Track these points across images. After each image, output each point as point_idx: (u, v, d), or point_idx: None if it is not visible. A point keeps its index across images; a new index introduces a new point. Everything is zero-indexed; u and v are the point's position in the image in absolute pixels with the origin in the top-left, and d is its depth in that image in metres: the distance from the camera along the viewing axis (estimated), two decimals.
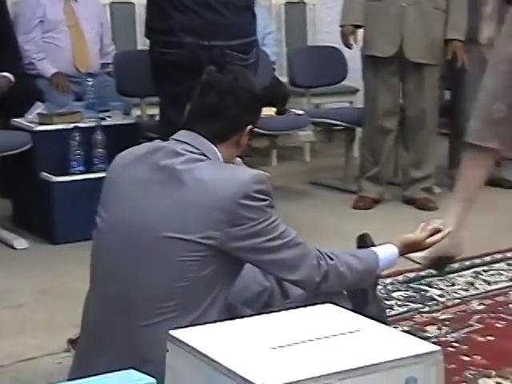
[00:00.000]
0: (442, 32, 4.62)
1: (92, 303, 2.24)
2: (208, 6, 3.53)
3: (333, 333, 1.45)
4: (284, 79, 5.64)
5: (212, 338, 1.47)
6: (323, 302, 1.79)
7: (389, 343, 1.42)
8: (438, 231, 2.43)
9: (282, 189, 5.00)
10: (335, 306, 1.68)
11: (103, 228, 2.20)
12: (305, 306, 1.78)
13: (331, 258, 2.17)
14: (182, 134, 2.21)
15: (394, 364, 1.32)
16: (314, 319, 1.59)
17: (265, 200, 2.09)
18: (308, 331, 1.48)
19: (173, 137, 2.22)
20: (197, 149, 2.15)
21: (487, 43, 3.66)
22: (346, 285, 2.21)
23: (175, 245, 2.06)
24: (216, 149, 2.18)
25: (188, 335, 1.47)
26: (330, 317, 1.60)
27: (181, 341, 1.44)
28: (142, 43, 5.42)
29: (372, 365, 1.32)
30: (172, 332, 1.50)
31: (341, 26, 4.76)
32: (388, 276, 3.38)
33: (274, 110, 4.88)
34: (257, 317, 1.66)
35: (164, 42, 3.58)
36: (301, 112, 4.99)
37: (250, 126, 2.23)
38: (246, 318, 1.68)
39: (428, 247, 2.45)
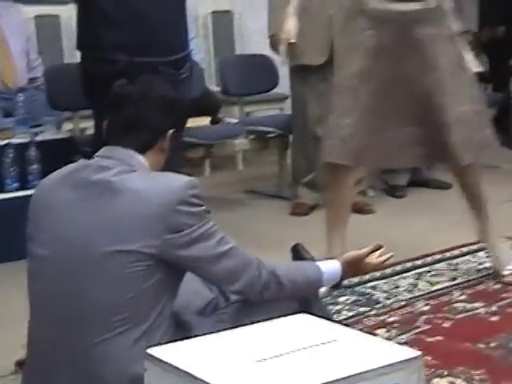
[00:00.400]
0: None
1: (36, 325, 2.20)
2: (140, 23, 3.49)
3: (311, 343, 1.45)
4: (214, 88, 5.65)
5: (191, 355, 1.45)
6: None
7: (368, 351, 1.43)
8: (379, 247, 2.44)
9: (217, 199, 4.99)
10: (308, 316, 1.68)
11: (39, 252, 2.16)
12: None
13: (273, 269, 2.18)
14: (105, 151, 2.20)
15: (378, 372, 1.32)
16: (290, 330, 1.58)
17: (201, 205, 2.09)
18: (286, 343, 1.48)
19: (96, 154, 2.21)
20: (123, 162, 2.15)
21: None
22: (286, 295, 2.22)
23: (117, 257, 2.04)
24: (142, 159, 2.18)
25: (166, 353, 1.45)
26: (306, 327, 1.60)
27: (159, 359, 1.41)
28: (69, 56, 5.38)
29: (357, 374, 1.32)
30: (149, 350, 1.47)
31: (269, 37, 4.79)
32: None
33: (209, 119, 4.88)
34: (233, 330, 1.65)
35: (96, 58, 3.53)
36: (235, 121, 4.99)
37: (172, 131, 2.24)
38: (222, 332, 1.66)
39: (371, 268, 2.45)
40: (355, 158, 3.30)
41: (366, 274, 2.54)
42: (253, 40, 6.01)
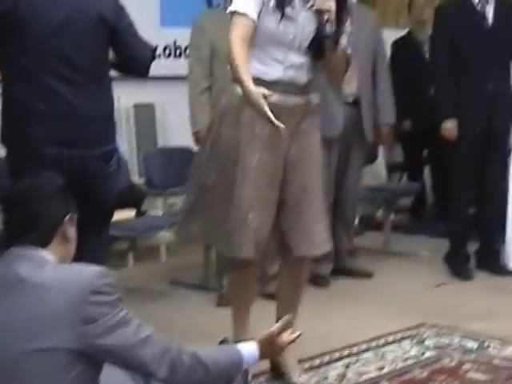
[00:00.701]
0: None
1: None
2: (68, 116, 3.51)
3: None
4: (137, 180, 5.68)
5: None
6: None
7: None
8: (287, 324, 2.48)
9: (142, 290, 4.98)
10: None
11: None
12: None
13: (194, 352, 2.20)
14: (8, 253, 2.19)
15: None
16: None
17: (113, 294, 2.12)
18: None
19: (3, 255, 2.21)
20: (29, 259, 2.15)
21: None
22: (213, 378, 2.24)
23: (35, 356, 2.03)
24: (46, 253, 2.19)
25: None
26: None
27: None
28: None
29: None
30: None
31: (193, 133, 4.89)
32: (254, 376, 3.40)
33: (133, 212, 4.90)
34: None
35: (23, 152, 3.52)
36: (160, 213, 5.03)
37: (68, 216, 2.26)
38: None
39: (284, 346, 2.48)
40: (261, 252, 3.33)
41: (281, 352, 2.56)
42: (175, 132, 6.09)
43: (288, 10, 3.17)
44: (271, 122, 2.99)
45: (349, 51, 3.35)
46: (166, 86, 5.89)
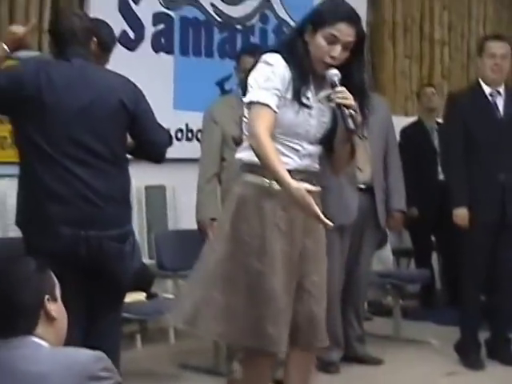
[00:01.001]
0: None
1: None
2: (84, 197, 3.56)
3: None
4: (147, 261, 5.68)
5: None
6: None
7: None
8: None
9: (151, 373, 4.94)
10: None
11: None
12: None
13: None
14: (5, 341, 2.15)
15: None
16: None
17: (111, 378, 2.08)
18: None
19: None
20: (20, 348, 2.10)
21: None
22: None
23: None
24: (36, 339, 2.15)
25: None
26: None
27: None
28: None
29: None
30: None
31: (197, 222, 4.90)
32: None
33: (144, 294, 4.89)
34: None
35: (40, 233, 3.55)
36: (170, 295, 5.02)
37: (46, 297, 2.19)
38: None
39: None
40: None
41: None
42: (186, 214, 6.12)
43: (304, 101, 3.20)
44: (319, 219, 2.97)
45: (363, 137, 3.39)
46: (177, 168, 5.94)
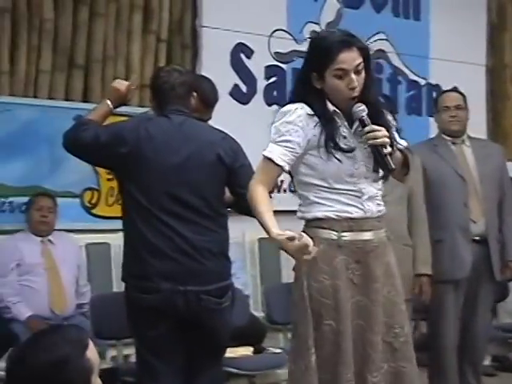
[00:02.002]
0: (411, 267, 4.67)
1: None
2: (184, 252, 3.58)
3: None
4: (259, 314, 5.65)
5: None
6: None
7: None
8: None
9: None
10: None
11: None
12: None
13: None
14: None
15: None
16: None
17: None
18: None
19: None
20: None
21: None
22: None
23: None
24: None
25: None
26: None
27: None
28: (118, 285, 5.47)
29: None
30: None
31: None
32: None
33: (251, 349, 4.86)
34: None
35: (140, 287, 3.61)
36: (278, 350, 4.96)
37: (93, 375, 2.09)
38: None
39: None
40: None
41: None
42: None
43: (342, 145, 3.05)
44: (303, 262, 2.85)
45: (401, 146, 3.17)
46: (289, 219, 5.90)
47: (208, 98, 4.08)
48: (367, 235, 3.08)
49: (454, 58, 7.12)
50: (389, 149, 3.00)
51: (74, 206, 5.59)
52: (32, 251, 5.12)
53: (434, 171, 4.80)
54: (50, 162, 5.53)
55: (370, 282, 3.08)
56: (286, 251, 2.82)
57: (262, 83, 6.33)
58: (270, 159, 3.02)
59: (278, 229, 2.85)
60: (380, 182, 3.18)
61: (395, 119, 3.33)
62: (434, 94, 7.11)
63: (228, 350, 4.03)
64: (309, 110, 3.06)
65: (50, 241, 5.21)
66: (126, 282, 3.73)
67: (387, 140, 3.00)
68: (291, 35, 6.42)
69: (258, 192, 3.00)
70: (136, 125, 3.68)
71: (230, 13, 6.10)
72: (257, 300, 6.00)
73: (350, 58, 3.00)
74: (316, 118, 3.05)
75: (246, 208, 3.80)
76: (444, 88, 6.97)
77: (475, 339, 5.05)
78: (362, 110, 3.02)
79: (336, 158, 3.04)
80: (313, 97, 3.07)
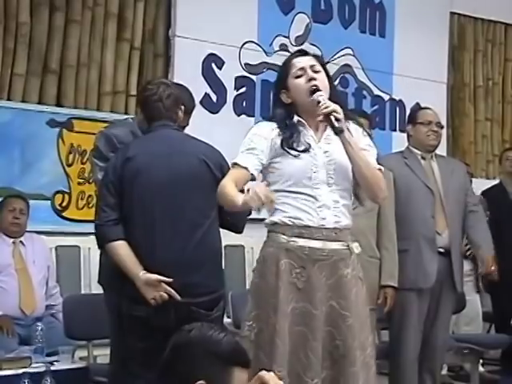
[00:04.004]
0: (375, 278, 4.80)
1: None
2: (175, 264, 3.58)
3: None
4: (225, 320, 5.73)
5: None
6: None
7: None
8: None
9: None
10: None
11: None
12: None
13: None
14: None
15: None
16: None
17: None
18: None
19: None
20: None
21: None
22: None
23: None
24: None
25: None
26: None
27: None
28: (86, 288, 5.55)
29: None
30: None
31: None
32: None
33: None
34: None
35: (132, 297, 3.60)
36: None
37: (201, 382, 2.19)
38: None
39: None
40: None
41: None
42: None
43: (298, 147, 3.21)
44: None
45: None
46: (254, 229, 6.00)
47: (188, 107, 4.17)
48: (316, 244, 3.18)
49: (417, 74, 7.33)
50: (339, 115, 3.13)
51: (44, 208, 5.66)
52: (3, 252, 5.16)
53: (404, 183, 4.90)
54: (22, 164, 5.60)
55: (312, 289, 3.16)
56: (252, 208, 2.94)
57: (231, 93, 6.45)
58: (235, 163, 3.19)
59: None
60: (347, 196, 3.27)
61: (370, 134, 3.45)
62: (398, 109, 7.31)
63: None
64: (274, 125, 3.26)
65: (21, 242, 5.26)
66: (112, 290, 3.73)
67: (338, 107, 3.14)
68: (261, 47, 6.57)
69: (224, 186, 3.12)
70: (119, 154, 3.74)
71: (202, 23, 6.23)
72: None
73: (305, 60, 3.28)
74: (275, 128, 3.25)
75: (228, 224, 3.86)
76: (407, 104, 7.21)
77: (435, 349, 5.16)
78: (319, 94, 3.19)
79: (292, 155, 3.19)
80: (280, 112, 3.28)
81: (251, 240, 6.37)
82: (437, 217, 4.93)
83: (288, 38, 6.73)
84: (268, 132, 3.24)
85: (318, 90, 3.20)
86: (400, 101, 7.30)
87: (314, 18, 6.89)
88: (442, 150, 6.88)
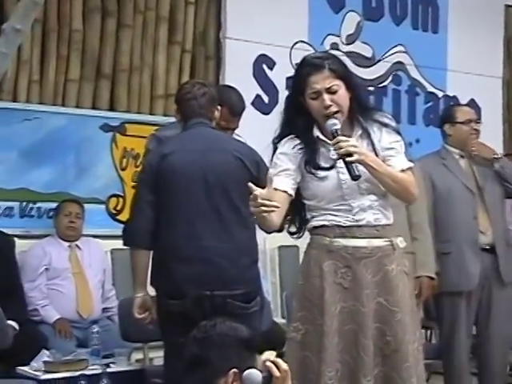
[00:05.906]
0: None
1: None
2: (211, 258, 3.67)
3: None
4: (279, 320, 5.74)
5: None
6: None
7: None
8: None
9: None
10: None
11: None
12: None
13: None
14: None
15: None
16: None
17: None
18: None
19: None
20: None
21: None
22: None
23: None
24: None
25: None
26: None
27: None
28: None
29: None
30: None
31: None
32: None
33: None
34: None
35: (168, 293, 3.70)
36: None
37: (234, 370, 2.31)
38: None
39: None
40: None
41: None
42: None
43: (323, 164, 3.20)
44: None
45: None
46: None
47: (234, 107, 4.19)
48: (359, 242, 3.19)
49: (471, 70, 7.23)
50: (353, 158, 3.07)
51: (99, 212, 5.72)
52: (60, 256, 5.24)
53: (444, 186, 4.82)
54: (77, 168, 5.67)
55: (360, 287, 3.17)
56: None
57: (283, 94, 6.44)
58: (274, 189, 3.15)
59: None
60: (383, 194, 3.23)
61: (400, 134, 3.33)
62: None
63: None
64: (296, 142, 3.22)
65: (77, 246, 5.34)
66: (155, 288, 3.83)
67: (351, 149, 3.07)
68: (312, 47, 6.53)
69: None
70: (159, 152, 3.82)
71: (252, 25, 6.23)
72: (277, 307, 6.10)
73: (320, 80, 3.13)
74: (294, 143, 3.22)
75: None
76: (461, 100, 7.11)
77: (492, 346, 5.09)
78: (332, 124, 3.13)
79: (318, 177, 3.19)
80: (299, 125, 3.23)
81: (306, 241, 6.41)
82: (479, 216, 4.84)
83: (339, 36, 6.71)
84: (292, 151, 3.21)
85: (333, 115, 3.14)
86: (454, 97, 7.21)
87: (365, 16, 6.85)
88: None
